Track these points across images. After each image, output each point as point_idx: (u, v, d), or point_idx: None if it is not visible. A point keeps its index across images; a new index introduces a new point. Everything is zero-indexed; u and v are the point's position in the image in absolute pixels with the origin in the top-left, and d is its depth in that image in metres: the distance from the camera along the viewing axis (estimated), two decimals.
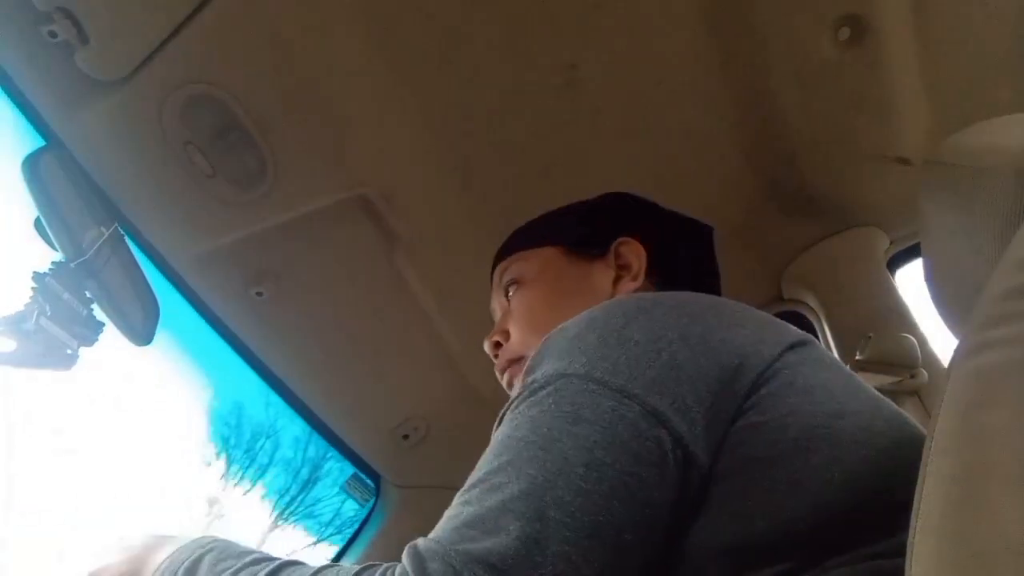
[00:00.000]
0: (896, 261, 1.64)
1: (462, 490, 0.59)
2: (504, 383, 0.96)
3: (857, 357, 1.36)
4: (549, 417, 0.59)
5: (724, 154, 1.46)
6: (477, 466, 0.61)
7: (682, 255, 0.98)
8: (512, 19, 1.17)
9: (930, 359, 1.37)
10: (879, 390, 1.35)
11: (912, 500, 0.57)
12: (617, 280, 0.93)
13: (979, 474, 0.39)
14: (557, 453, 0.56)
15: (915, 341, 1.35)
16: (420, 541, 0.56)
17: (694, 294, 0.73)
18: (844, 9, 1.22)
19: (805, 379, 0.62)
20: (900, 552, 0.54)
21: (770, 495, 0.56)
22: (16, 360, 0.97)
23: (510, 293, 0.98)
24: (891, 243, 1.61)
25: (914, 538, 0.42)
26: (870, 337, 1.35)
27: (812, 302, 1.60)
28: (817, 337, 1.59)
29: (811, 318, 1.62)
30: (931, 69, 1.30)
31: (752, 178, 1.51)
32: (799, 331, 0.70)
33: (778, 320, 0.72)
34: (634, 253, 0.94)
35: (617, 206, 1.03)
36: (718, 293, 0.99)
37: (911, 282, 1.60)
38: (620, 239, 0.95)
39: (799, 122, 1.39)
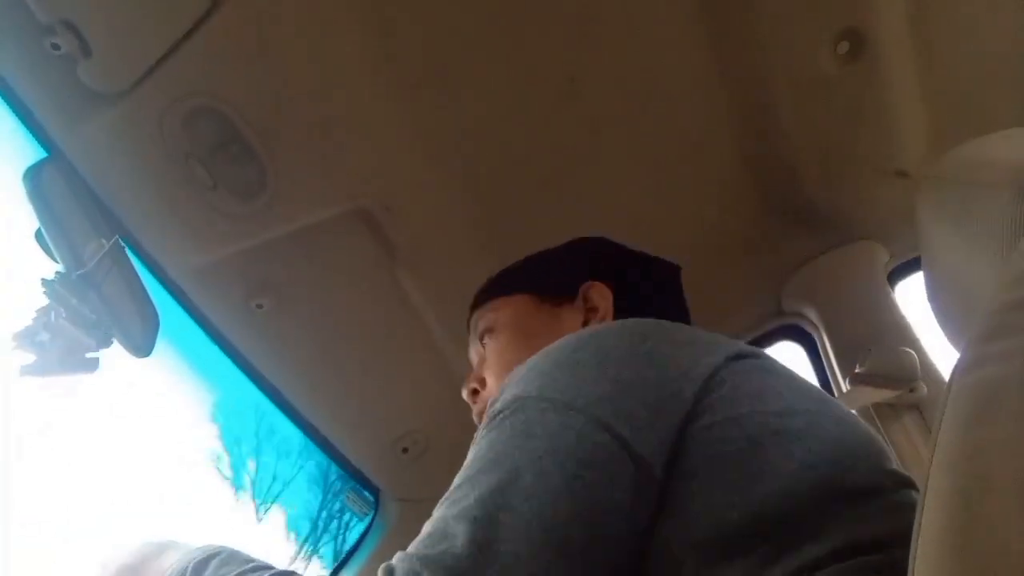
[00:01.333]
0: (896, 275, 1.64)
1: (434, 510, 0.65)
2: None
3: (856, 370, 1.35)
4: (505, 437, 0.64)
5: (724, 168, 1.47)
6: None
7: (647, 295, 1.03)
8: (511, 31, 1.18)
9: (930, 373, 1.36)
10: (879, 404, 1.36)
11: (866, 489, 0.61)
12: (586, 323, 0.97)
13: (979, 489, 0.39)
14: (509, 466, 0.61)
15: (915, 355, 1.34)
16: (394, 556, 0.62)
17: (645, 319, 0.77)
18: (843, 23, 1.23)
19: (752, 384, 0.67)
20: (871, 545, 0.57)
21: (735, 489, 0.60)
22: (39, 370, 0.98)
23: (484, 341, 1.03)
24: (891, 257, 1.60)
25: (915, 552, 0.41)
26: (870, 350, 1.35)
27: (812, 316, 1.60)
28: (817, 350, 1.59)
29: (811, 331, 1.62)
30: (930, 83, 1.31)
31: (751, 191, 1.51)
32: (748, 346, 0.75)
33: (729, 338, 0.77)
34: (601, 295, 0.99)
35: (585, 252, 1.08)
36: None
37: (911, 295, 1.60)
38: (588, 283, 1.00)
39: (798, 136, 1.40)
